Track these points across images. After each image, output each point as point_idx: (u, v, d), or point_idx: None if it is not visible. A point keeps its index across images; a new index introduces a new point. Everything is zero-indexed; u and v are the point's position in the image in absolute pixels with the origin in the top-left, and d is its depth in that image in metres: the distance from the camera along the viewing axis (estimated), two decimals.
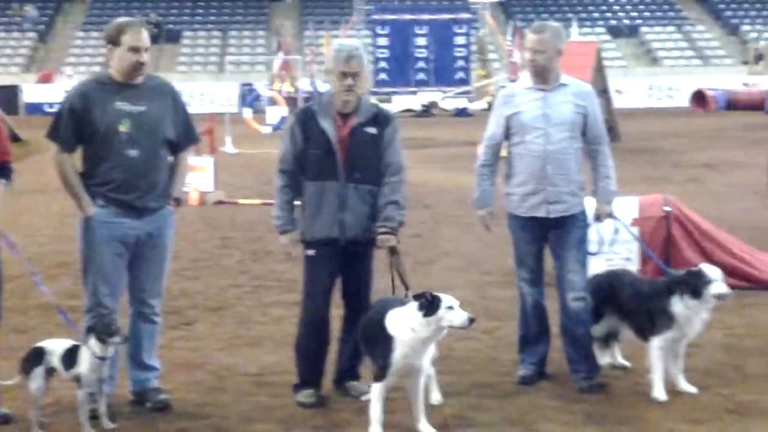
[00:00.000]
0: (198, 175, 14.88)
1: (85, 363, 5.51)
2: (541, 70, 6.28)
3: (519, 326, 6.62)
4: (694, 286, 6.02)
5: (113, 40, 5.72)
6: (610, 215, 6.47)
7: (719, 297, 6.04)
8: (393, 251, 5.90)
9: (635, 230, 8.87)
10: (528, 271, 6.45)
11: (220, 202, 15.09)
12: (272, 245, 10.64)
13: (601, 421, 5.68)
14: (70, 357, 5.55)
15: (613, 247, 8.57)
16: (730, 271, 8.83)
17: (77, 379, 5.54)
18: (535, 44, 6.25)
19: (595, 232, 6.57)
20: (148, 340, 6.05)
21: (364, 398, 5.95)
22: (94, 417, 5.64)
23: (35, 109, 37.82)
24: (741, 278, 8.87)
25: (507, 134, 6.39)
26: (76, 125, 5.71)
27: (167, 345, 7.19)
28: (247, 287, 9.36)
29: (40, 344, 5.69)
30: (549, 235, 6.38)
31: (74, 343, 5.63)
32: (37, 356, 5.60)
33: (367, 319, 5.74)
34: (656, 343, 6.11)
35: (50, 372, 5.60)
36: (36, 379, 5.55)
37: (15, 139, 21.01)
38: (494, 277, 9.52)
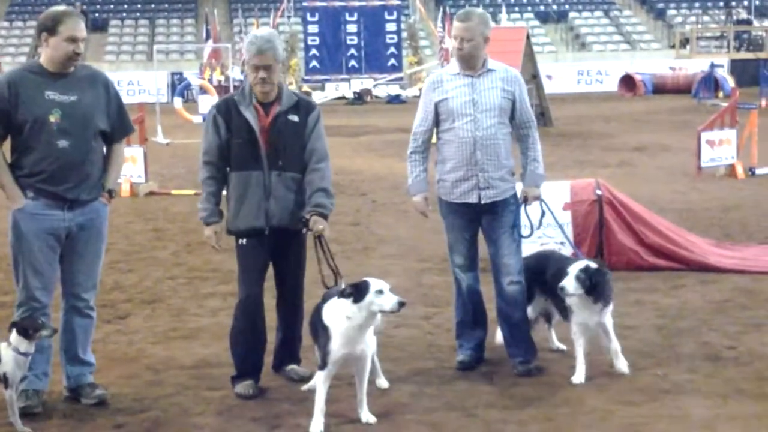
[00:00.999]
0: (129, 166, 14.65)
1: (9, 361, 5.37)
2: (469, 57, 6.29)
3: (455, 312, 6.65)
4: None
5: (49, 29, 5.60)
6: (538, 198, 6.50)
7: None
8: (320, 238, 5.89)
9: (568, 214, 8.99)
10: (462, 257, 6.47)
11: (152, 193, 14.92)
12: None
13: (540, 404, 5.74)
14: None
15: (547, 231, 8.69)
16: (661, 253, 9.04)
17: (3, 379, 5.38)
18: (461, 32, 6.25)
19: (524, 215, 6.60)
20: (83, 334, 5.94)
21: (304, 388, 5.94)
22: (28, 414, 5.56)
23: None
24: (672, 259, 9.04)
25: (436, 121, 6.41)
26: (4, 114, 5.59)
27: (102, 339, 7.10)
28: (182, 279, 9.27)
29: None
30: (482, 220, 6.41)
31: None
32: None
33: (313, 309, 5.80)
34: (574, 319, 6.22)
35: None
36: None
37: None
38: (431, 264, 9.55)
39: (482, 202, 6.30)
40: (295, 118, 5.99)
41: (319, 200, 5.90)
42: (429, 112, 6.40)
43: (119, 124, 5.91)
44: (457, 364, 6.42)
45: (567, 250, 8.54)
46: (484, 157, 6.24)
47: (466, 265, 6.48)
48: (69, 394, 5.93)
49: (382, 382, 6.02)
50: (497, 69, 6.36)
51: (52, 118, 5.58)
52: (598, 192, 9.10)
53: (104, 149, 5.88)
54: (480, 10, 6.57)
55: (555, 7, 50.27)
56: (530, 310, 6.60)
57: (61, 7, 5.83)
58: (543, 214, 6.68)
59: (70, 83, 5.67)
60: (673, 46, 45.24)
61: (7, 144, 5.72)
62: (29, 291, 5.69)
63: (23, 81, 5.63)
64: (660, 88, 37.82)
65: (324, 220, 5.90)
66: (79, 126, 5.65)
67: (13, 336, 5.40)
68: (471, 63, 6.30)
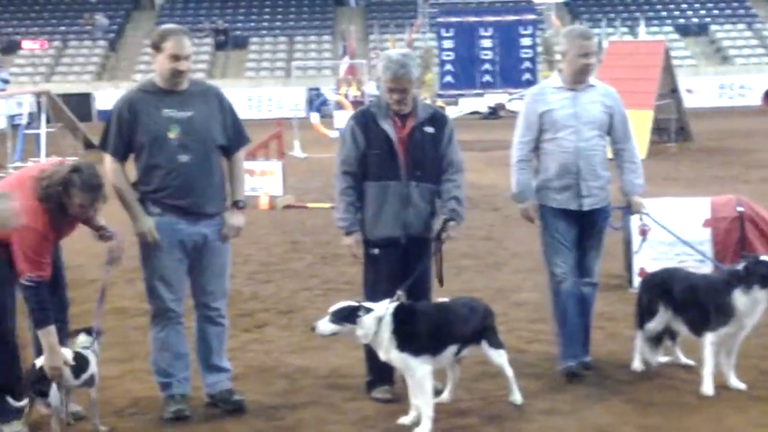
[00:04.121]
0: (267, 180, 15.05)
1: (94, 364, 5.67)
2: (590, 71, 6.64)
3: (557, 320, 6.68)
4: (763, 276, 5.96)
5: (156, 46, 5.79)
6: (639, 209, 6.75)
7: None
8: (441, 243, 6.11)
9: (707, 231, 8.76)
10: (564, 263, 6.59)
11: (289, 206, 15.23)
12: (341, 248, 10.67)
13: (680, 427, 5.61)
14: (78, 364, 5.57)
15: (686, 249, 8.50)
16: None
17: (90, 383, 5.66)
18: (589, 48, 6.62)
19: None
20: (217, 342, 6.11)
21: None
22: (180, 417, 5.81)
23: (108, 116, 38.50)
24: None
25: (539, 130, 6.62)
26: (125, 134, 5.79)
27: (240, 348, 7.28)
28: (317, 290, 9.43)
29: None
30: (578, 226, 6.60)
31: (75, 350, 5.65)
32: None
33: None
34: (710, 338, 6.10)
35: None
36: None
37: (88, 145, 21.44)
38: None
39: (583, 209, 6.54)
40: (431, 129, 6.13)
41: (453, 207, 6.11)
42: (533, 122, 6.65)
43: (236, 136, 6.05)
44: (564, 370, 6.48)
45: (706, 269, 8.34)
46: (585, 167, 6.51)
47: (569, 271, 6.60)
48: (209, 400, 6.11)
49: (517, 398, 6.00)
50: (597, 86, 6.71)
51: (171, 135, 5.75)
52: (740, 209, 8.86)
53: (223, 163, 6.01)
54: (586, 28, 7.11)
55: (695, 20, 49.06)
56: (653, 324, 6.54)
57: (170, 26, 5.99)
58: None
59: (185, 99, 5.82)
60: None
61: (131, 163, 5.89)
62: (164, 303, 5.89)
63: (140, 100, 5.81)
64: None
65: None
66: (198, 141, 5.81)
67: (87, 339, 5.72)
68: (584, 77, 6.62)
